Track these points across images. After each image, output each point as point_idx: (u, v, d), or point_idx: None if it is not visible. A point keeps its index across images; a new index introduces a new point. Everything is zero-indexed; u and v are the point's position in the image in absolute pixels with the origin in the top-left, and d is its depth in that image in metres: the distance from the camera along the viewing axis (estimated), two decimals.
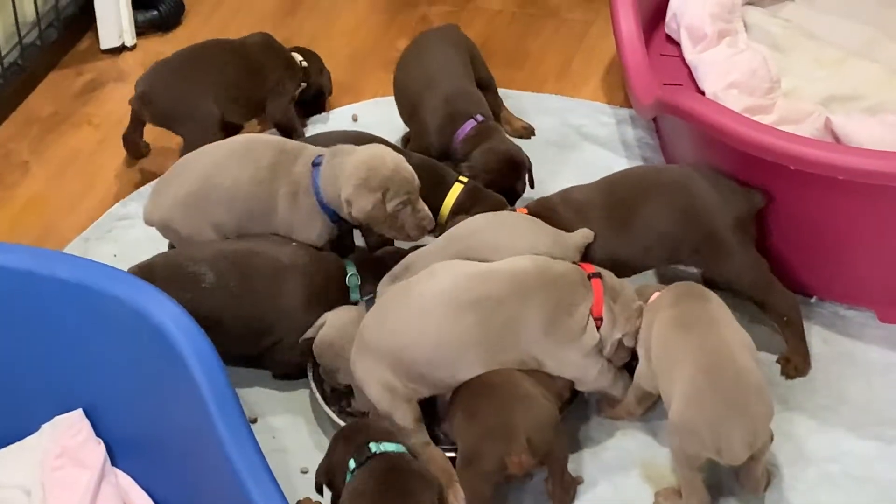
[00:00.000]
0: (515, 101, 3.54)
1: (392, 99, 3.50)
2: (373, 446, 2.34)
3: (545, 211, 2.78)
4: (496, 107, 3.35)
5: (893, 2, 3.59)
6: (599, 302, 2.55)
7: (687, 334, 2.49)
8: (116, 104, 3.61)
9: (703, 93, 3.27)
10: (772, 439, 2.46)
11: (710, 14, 3.38)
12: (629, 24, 3.24)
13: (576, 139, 3.46)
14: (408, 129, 3.38)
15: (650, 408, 2.65)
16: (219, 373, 2.29)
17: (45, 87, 3.70)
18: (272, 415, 2.72)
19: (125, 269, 2.65)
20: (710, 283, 2.78)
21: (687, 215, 2.74)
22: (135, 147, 3.38)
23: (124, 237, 3.16)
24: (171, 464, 2.44)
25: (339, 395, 2.68)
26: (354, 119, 3.53)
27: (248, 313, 2.68)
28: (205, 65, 3.28)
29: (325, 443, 2.47)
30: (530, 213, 2.78)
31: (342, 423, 2.58)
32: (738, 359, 2.43)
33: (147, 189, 3.25)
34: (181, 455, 2.41)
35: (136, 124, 3.33)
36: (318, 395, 2.66)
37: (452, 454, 2.46)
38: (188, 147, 3.14)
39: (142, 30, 3.88)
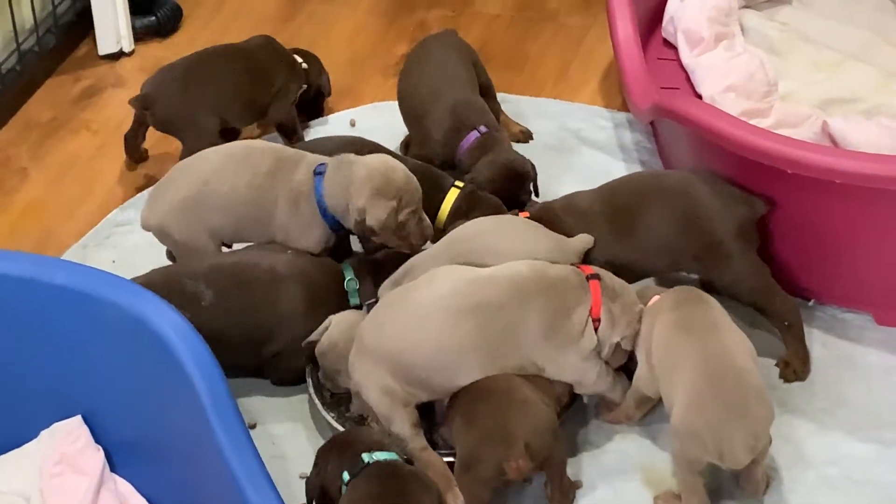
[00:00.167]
0: (513, 105, 3.54)
1: (390, 104, 3.51)
2: (365, 457, 2.34)
3: (547, 216, 2.79)
4: (495, 112, 3.35)
5: (890, 5, 3.59)
6: (598, 304, 2.55)
7: (687, 338, 2.49)
8: (115, 110, 3.61)
9: (700, 96, 3.27)
10: (770, 442, 2.46)
11: (707, 18, 3.38)
12: (626, 28, 3.23)
13: (574, 143, 3.47)
14: (406, 135, 3.39)
15: (649, 412, 2.65)
16: (218, 379, 2.29)
17: (44, 93, 3.71)
18: (271, 421, 2.72)
19: (124, 275, 2.64)
20: (708, 288, 2.78)
21: (688, 221, 2.74)
22: (134, 149, 3.38)
23: (123, 243, 3.16)
24: (171, 470, 2.44)
25: (339, 400, 2.68)
26: (353, 124, 3.53)
27: (248, 325, 2.67)
28: (210, 73, 3.28)
29: None
30: (532, 218, 2.78)
31: (342, 429, 2.58)
32: (739, 363, 2.43)
33: (146, 194, 3.25)
34: (180, 461, 2.41)
35: (139, 126, 3.34)
36: (317, 401, 2.66)
37: (451, 459, 2.46)
38: (187, 154, 3.15)
39: (140, 35, 3.88)
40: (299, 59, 3.44)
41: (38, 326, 2.49)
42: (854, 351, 2.86)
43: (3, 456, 2.55)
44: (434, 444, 2.55)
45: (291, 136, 3.36)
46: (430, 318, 2.49)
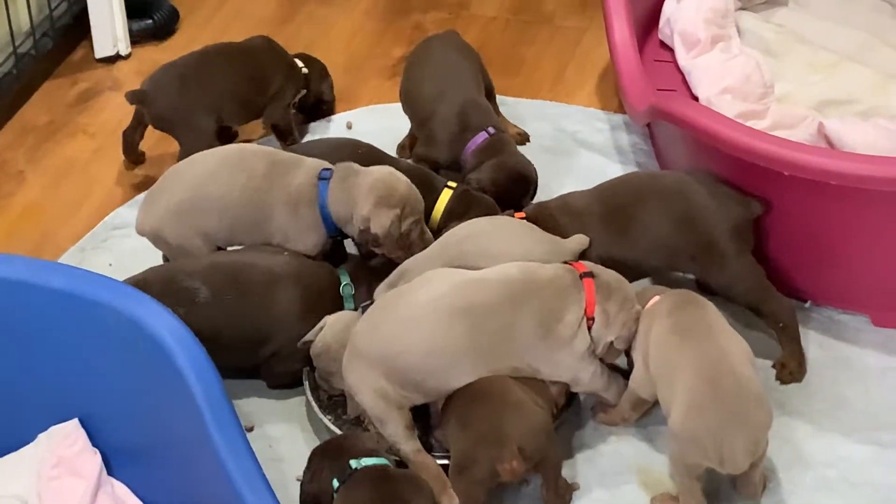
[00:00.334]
0: (510, 107, 3.55)
1: (387, 107, 3.52)
2: (353, 463, 2.35)
3: (543, 216, 2.79)
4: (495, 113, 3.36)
5: (886, 6, 3.60)
6: (591, 303, 2.54)
7: (686, 343, 2.49)
8: (111, 113, 3.61)
9: (696, 98, 3.28)
10: (767, 445, 2.46)
11: (703, 19, 3.38)
12: (622, 30, 3.24)
13: (570, 145, 3.47)
14: (403, 137, 3.39)
15: (645, 413, 2.65)
16: (214, 382, 2.29)
17: (40, 96, 3.71)
18: (268, 423, 2.72)
19: (121, 278, 2.65)
20: (704, 290, 2.78)
21: (684, 222, 2.74)
22: (132, 148, 3.38)
23: (120, 246, 3.16)
24: (168, 473, 2.44)
25: (335, 403, 2.68)
26: (349, 127, 3.53)
27: (243, 326, 2.68)
28: (208, 72, 3.28)
29: None
30: (527, 218, 2.78)
31: (339, 432, 2.58)
32: (738, 368, 2.43)
33: (142, 198, 3.25)
34: (177, 464, 2.41)
35: (137, 125, 3.34)
36: (313, 404, 2.66)
37: (446, 461, 2.47)
38: (184, 153, 3.16)
39: (136, 38, 3.88)
40: (300, 63, 3.43)
41: (35, 330, 2.49)
42: (851, 352, 2.86)
43: (1, 459, 2.55)
44: (429, 447, 2.55)
45: (286, 138, 3.36)
46: (423, 321, 2.50)
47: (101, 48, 3.81)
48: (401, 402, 2.50)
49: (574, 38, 3.92)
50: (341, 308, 2.73)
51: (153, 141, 3.40)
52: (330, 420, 2.63)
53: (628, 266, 2.73)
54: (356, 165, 2.82)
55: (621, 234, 2.75)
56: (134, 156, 3.40)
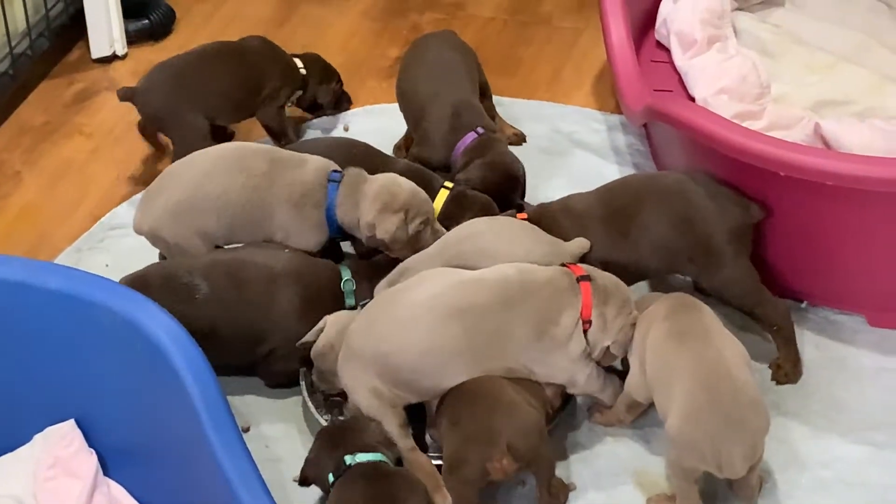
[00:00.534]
0: (507, 108, 3.55)
1: (384, 107, 3.52)
2: (348, 459, 2.35)
3: (545, 218, 2.79)
4: (490, 113, 3.36)
5: (883, 7, 3.60)
6: (588, 306, 2.55)
7: (683, 347, 2.49)
8: (108, 113, 3.61)
9: (693, 99, 3.28)
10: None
11: (699, 20, 3.39)
12: (619, 30, 3.24)
13: (567, 146, 3.47)
14: (399, 137, 3.39)
15: (641, 415, 2.65)
16: (211, 382, 2.29)
17: (37, 96, 3.70)
18: (265, 424, 2.72)
19: (118, 279, 2.65)
20: (700, 292, 2.78)
21: (683, 222, 2.73)
22: (152, 140, 3.39)
23: (117, 247, 3.16)
24: (164, 473, 2.44)
25: (332, 403, 2.68)
26: (345, 129, 3.53)
27: (242, 322, 2.68)
28: (200, 72, 3.28)
29: None
30: (530, 219, 2.78)
31: None
32: (736, 373, 2.43)
33: (139, 198, 3.25)
34: (174, 465, 2.41)
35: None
36: (310, 404, 2.66)
37: (440, 460, 2.46)
38: (178, 153, 3.16)
39: (133, 39, 3.88)
40: (299, 64, 3.42)
41: (32, 331, 2.49)
42: (847, 353, 2.86)
43: None
44: (424, 446, 2.55)
45: (280, 138, 3.35)
46: (417, 321, 2.50)
47: (98, 48, 3.81)
48: (395, 401, 2.50)
49: (571, 39, 3.92)
50: (342, 305, 2.73)
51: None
52: (327, 421, 2.63)
53: (629, 268, 2.73)
54: (364, 173, 2.84)
55: (622, 235, 2.75)
56: (160, 146, 3.39)
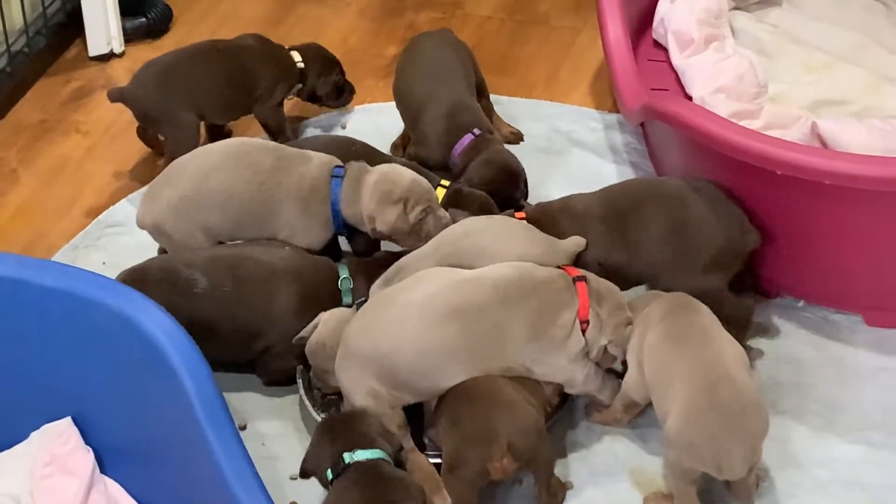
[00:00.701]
0: (504, 107, 3.55)
1: (381, 106, 3.52)
2: (346, 457, 2.34)
3: (544, 217, 2.79)
4: (488, 111, 3.36)
5: (880, 7, 3.60)
6: (585, 306, 2.55)
7: (682, 348, 2.48)
8: (105, 111, 3.61)
9: (690, 98, 3.28)
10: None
11: (697, 19, 3.39)
12: (616, 29, 3.24)
13: (564, 145, 3.47)
14: (397, 136, 3.39)
15: (638, 413, 2.65)
16: (207, 380, 2.29)
17: (34, 94, 3.70)
18: (262, 422, 2.72)
19: (114, 276, 2.65)
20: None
21: (678, 229, 2.73)
22: (152, 143, 3.39)
23: (113, 245, 3.16)
24: (161, 471, 2.43)
25: (329, 402, 2.68)
26: (343, 126, 3.53)
27: (240, 318, 2.68)
28: (191, 69, 3.27)
29: None
30: (529, 219, 2.78)
31: None
32: (735, 375, 2.42)
33: (136, 196, 3.25)
34: (170, 463, 2.40)
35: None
36: (307, 402, 2.66)
37: (439, 460, 2.46)
38: (171, 150, 3.17)
39: (130, 37, 3.88)
40: (297, 58, 3.41)
41: (28, 328, 2.48)
42: (844, 352, 2.86)
43: None
44: (422, 446, 2.55)
45: (277, 136, 3.34)
46: (414, 321, 2.49)
47: (95, 46, 3.80)
48: (393, 401, 2.50)
49: (568, 38, 3.92)
50: (340, 303, 2.73)
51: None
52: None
53: (623, 271, 2.73)
54: (367, 165, 2.84)
55: (620, 237, 2.75)
56: (159, 147, 3.39)
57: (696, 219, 2.74)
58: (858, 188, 2.64)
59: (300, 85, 3.41)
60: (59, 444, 2.49)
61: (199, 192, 2.82)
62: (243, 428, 2.68)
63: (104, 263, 3.07)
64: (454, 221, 2.80)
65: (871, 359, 2.84)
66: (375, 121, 3.51)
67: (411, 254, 2.72)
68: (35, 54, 3.72)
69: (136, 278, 2.64)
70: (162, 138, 3.32)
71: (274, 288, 2.70)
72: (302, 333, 2.65)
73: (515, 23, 4.01)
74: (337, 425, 2.44)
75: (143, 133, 3.38)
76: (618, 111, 3.50)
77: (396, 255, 2.77)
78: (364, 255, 2.91)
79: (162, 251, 2.92)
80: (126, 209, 3.24)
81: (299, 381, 2.70)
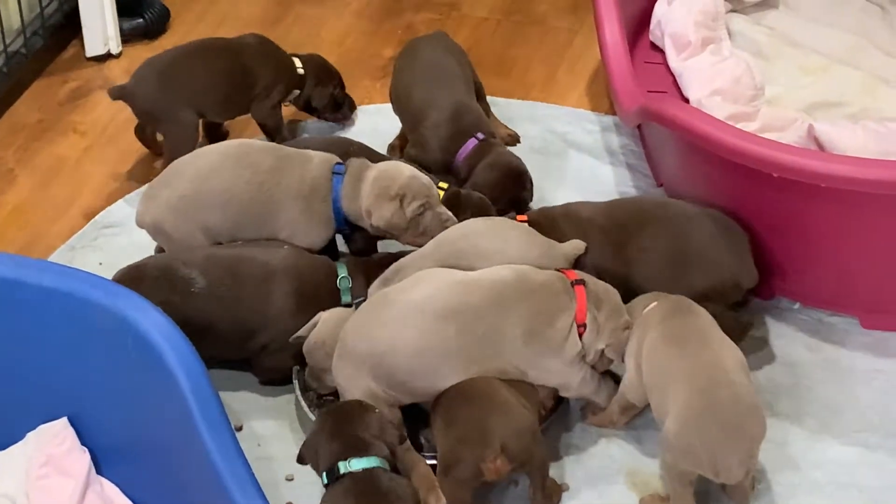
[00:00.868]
0: (501, 108, 3.55)
1: (378, 107, 3.52)
2: (341, 466, 2.33)
3: (545, 221, 2.80)
4: (485, 114, 3.36)
5: (876, 10, 3.61)
6: (583, 309, 2.55)
7: (680, 351, 2.48)
8: (102, 112, 3.61)
9: (687, 100, 3.28)
10: None
11: (694, 22, 3.39)
12: (613, 31, 3.24)
13: (561, 146, 3.47)
14: (394, 137, 3.39)
15: (634, 416, 2.65)
16: (203, 381, 2.29)
17: (31, 94, 3.70)
18: (257, 422, 2.72)
19: (111, 277, 2.65)
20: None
21: (676, 258, 2.73)
22: (149, 143, 3.39)
23: (110, 245, 3.16)
24: (156, 472, 2.43)
25: (325, 402, 2.67)
26: (341, 127, 3.53)
27: (237, 317, 2.68)
28: (190, 67, 3.27)
29: None
30: (530, 221, 2.79)
31: None
32: (734, 378, 2.42)
33: (133, 197, 3.26)
34: (166, 463, 2.40)
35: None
36: (303, 403, 2.66)
37: (435, 461, 2.46)
38: (170, 148, 3.17)
39: (127, 37, 3.87)
40: (298, 64, 3.40)
41: (24, 328, 2.48)
42: (839, 354, 2.86)
43: None
44: (419, 446, 2.55)
45: (274, 136, 3.34)
46: (411, 322, 2.50)
47: (92, 47, 3.80)
48: (389, 401, 2.50)
49: (565, 40, 3.92)
50: (338, 302, 2.74)
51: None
52: None
53: (617, 281, 2.72)
54: (367, 161, 2.85)
55: (619, 250, 2.76)
56: (156, 148, 3.39)
57: (697, 251, 2.74)
58: (854, 191, 2.64)
59: (298, 91, 3.40)
60: (55, 445, 2.49)
61: (199, 192, 2.82)
62: (239, 429, 2.68)
63: (101, 264, 3.07)
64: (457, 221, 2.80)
65: (866, 361, 2.85)
66: (373, 122, 3.51)
67: (410, 254, 2.73)
68: (32, 55, 3.72)
69: (133, 276, 2.65)
70: (160, 137, 3.32)
71: (272, 287, 2.70)
72: (300, 332, 2.66)
73: (512, 24, 4.01)
74: (338, 420, 2.41)
75: (140, 132, 3.38)
76: (614, 113, 3.50)
77: (395, 256, 2.78)
78: (362, 255, 2.91)
79: (160, 250, 2.92)
80: (123, 210, 3.24)
81: (295, 382, 2.70)
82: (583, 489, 2.57)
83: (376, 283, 2.69)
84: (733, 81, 3.23)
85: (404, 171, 2.82)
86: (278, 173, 2.82)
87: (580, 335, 2.55)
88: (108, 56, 3.83)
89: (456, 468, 2.39)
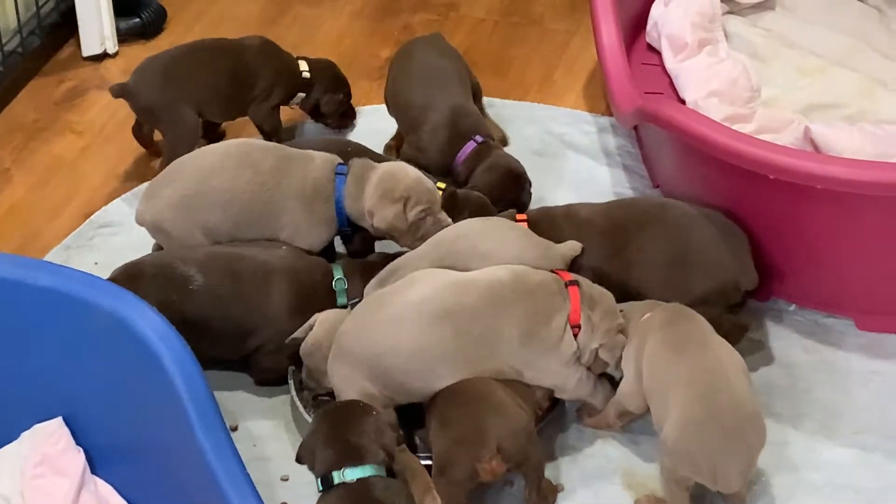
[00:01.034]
0: (498, 109, 3.55)
1: (375, 108, 3.52)
2: (335, 476, 2.31)
3: (546, 220, 2.80)
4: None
5: (873, 12, 3.61)
6: (577, 310, 2.55)
7: (681, 355, 2.48)
8: (99, 111, 3.61)
9: (683, 101, 3.28)
10: None
11: (690, 23, 3.39)
12: (610, 32, 3.25)
13: (558, 147, 3.47)
14: (391, 138, 3.39)
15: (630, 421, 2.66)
16: (199, 381, 2.29)
17: (27, 94, 3.70)
18: (253, 423, 2.72)
19: (107, 277, 2.65)
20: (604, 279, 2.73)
21: (675, 260, 2.73)
22: (146, 142, 3.39)
23: (106, 245, 3.15)
24: (152, 472, 2.43)
25: (321, 403, 2.67)
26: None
27: (234, 316, 2.68)
28: (191, 66, 3.27)
29: None
30: (530, 220, 2.79)
31: None
32: (735, 385, 2.42)
33: (130, 196, 3.26)
34: (161, 463, 2.40)
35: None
36: (298, 404, 2.66)
37: (430, 462, 2.46)
38: (169, 147, 3.17)
39: (124, 37, 3.87)
40: (304, 68, 3.38)
41: (20, 328, 2.48)
42: (835, 356, 2.86)
43: None
44: (414, 447, 2.55)
45: (270, 139, 3.33)
46: (407, 322, 2.50)
47: (89, 46, 3.80)
48: (385, 402, 2.50)
49: (562, 41, 3.92)
50: (335, 303, 2.74)
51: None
52: None
53: (616, 284, 2.72)
54: (371, 161, 2.85)
55: (618, 251, 2.76)
56: (152, 147, 3.38)
57: (697, 253, 2.74)
58: (850, 193, 2.64)
59: (303, 95, 3.39)
60: (50, 445, 2.49)
61: (200, 191, 2.82)
62: (235, 429, 2.68)
63: (97, 263, 3.07)
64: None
65: (863, 362, 2.85)
66: (369, 122, 3.50)
67: (406, 255, 2.73)
68: (29, 54, 3.72)
69: (132, 273, 2.65)
70: (159, 137, 3.32)
71: (269, 286, 2.70)
72: (296, 334, 2.65)
73: (510, 25, 4.01)
74: (333, 425, 2.39)
75: (138, 132, 3.37)
76: (611, 114, 3.50)
77: (391, 257, 2.78)
78: (359, 256, 2.91)
79: (158, 249, 2.92)
80: (120, 209, 3.24)
81: (290, 382, 2.70)
82: (578, 490, 2.57)
83: (372, 283, 2.69)
84: (730, 83, 3.23)
85: (410, 173, 2.82)
86: (280, 174, 2.82)
87: (575, 336, 2.55)
88: (104, 56, 3.83)
89: (451, 469, 2.39)
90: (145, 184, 3.00)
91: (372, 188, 2.79)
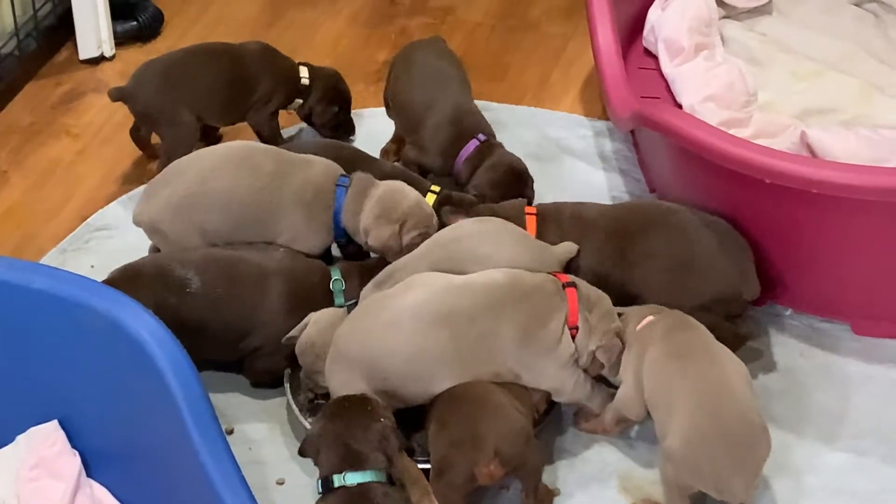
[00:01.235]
0: (494, 113, 3.54)
1: (372, 111, 3.52)
2: (336, 480, 2.32)
3: (552, 215, 2.81)
4: None
5: (869, 17, 3.61)
6: (574, 311, 2.55)
7: (684, 366, 2.47)
8: (95, 114, 3.61)
9: (680, 106, 3.28)
10: None
11: (687, 27, 3.39)
12: (607, 36, 3.24)
13: (554, 152, 3.47)
14: (387, 141, 3.39)
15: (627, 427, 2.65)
16: (195, 384, 2.29)
17: (24, 97, 3.70)
18: (248, 426, 2.71)
19: (102, 280, 2.65)
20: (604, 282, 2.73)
21: (678, 267, 2.73)
22: (144, 145, 3.39)
23: (102, 248, 3.15)
24: (147, 475, 2.43)
25: (316, 406, 2.67)
26: None
27: (231, 318, 2.68)
28: (190, 70, 3.26)
29: None
30: (538, 214, 2.80)
31: None
32: (741, 398, 2.41)
33: (126, 199, 3.26)
34: (157, 467, 2.40)
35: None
36: (294, 407, 2.66)
37: (428, 466, 2.46)
38: (167, 150, 3.17)
39: (121, 40, 3.87)
40: (304, 74, 3.37)
41: (15, 331, 2.48)
42: (831, 360, 2.87)
43: None
44: (411, 451, 2.55)
45: (268, 144, 3.33)
46: (404, 326, 2.50)
47: (86, 49, 3.80)
48: (383, 405, 2.49)
49: (559, 45, 3.92)
50: (331, 305, 2.73)
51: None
52: (311, 423, 2.62)
53: (616, 287, 2.72)
54: (373, 178, 2.85)
55: (620, 255, 2.76)
56: (149, 150, 3.38)
57: (700, 261, 2.74)
58: (846, 197, 2.64)
59: (300, 101, 3.38)
60: (45, 447, 2.49)
61: (199, 193, 2.82)
62: (230, 432, 2.68)
63: (93, 266, 3.07)
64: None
65: (858, 367, 2.85)
66: (365, 125, 3.50)
67: (403, 258, 2.73)
68: (25, 57, 3.71)
69: (129, 275, 2.65)
70: (157, 140, 3.32)
71: (266, 288, 2.70)
72: (292, 333, 2.66)
73: (506, 29, 4.01)
74: (342, 419, 2.38)
75: (136, 135, 3.37)
76: (608, 118, 3.50)
77: (388, 259, 2.78)
78: (355, 258, 2.91)
79: (154, 251, 2.92)
80: (116, 212, 3.24)
81: (286, 385, 2.70)
82: (575, 493, 2.57)
83: (369, 285, 2.69)
84: (726, 87, 3.23)
85: (409, 195, 2.82)
86: (280, 177, 2.82)
87: (572, 337, 2.55)
88: (101, 59, 3.83)
89: (449, 472, 2.39)
90: (142, 187, 3.00)
91: (370, 206, 2.80)
